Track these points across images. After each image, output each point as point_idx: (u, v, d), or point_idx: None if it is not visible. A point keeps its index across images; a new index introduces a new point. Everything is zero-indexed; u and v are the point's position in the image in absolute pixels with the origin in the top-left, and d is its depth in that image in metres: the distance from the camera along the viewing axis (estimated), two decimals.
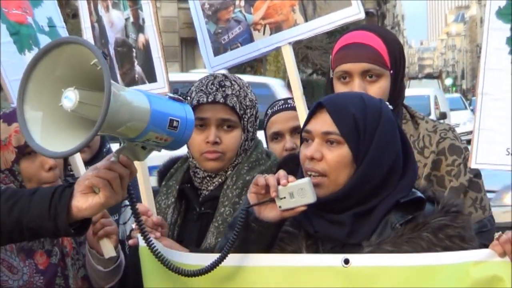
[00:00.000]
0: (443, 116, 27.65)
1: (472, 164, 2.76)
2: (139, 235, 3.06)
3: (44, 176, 3.14)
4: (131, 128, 2.41)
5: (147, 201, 3.21)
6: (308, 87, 37.58)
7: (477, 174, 3.25)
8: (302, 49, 36.63)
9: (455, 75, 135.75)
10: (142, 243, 3.03)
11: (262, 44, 3.45)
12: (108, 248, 3.15)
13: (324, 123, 2.72)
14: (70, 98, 2.34)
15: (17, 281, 3.05)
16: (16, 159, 3.12)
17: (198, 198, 3.27)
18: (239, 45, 3.50)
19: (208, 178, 3.25)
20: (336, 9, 3.40)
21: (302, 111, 3.25)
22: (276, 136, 3.98)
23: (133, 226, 3.15)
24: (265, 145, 3.80)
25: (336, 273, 2.68)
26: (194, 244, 3.15)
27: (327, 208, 2.71)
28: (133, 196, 2.61)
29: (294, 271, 2.74)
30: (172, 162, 3.41)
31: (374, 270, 2.65)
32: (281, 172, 2.69)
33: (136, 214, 2.65)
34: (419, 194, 2.76)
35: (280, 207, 2.65)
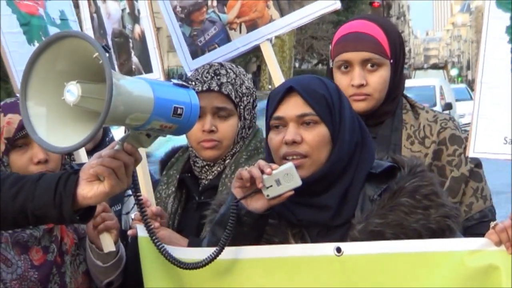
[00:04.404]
0: (448, 106, 27.59)
1: (470, 153, 2.76)
2: (137, 225, 3.07)
3: (33, 169, 3.08)
4: (134, 119, 2.39)
5: (146, 191, 3.21)
6: None
7: (478, 164, 3.25)
8: (308, 39, 36.62)
9: (461, 66, 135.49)
10: (141, 233, 3.04)
11: (240, 43, 3.41)
12: (107, 243, 3.12)
13: (297, 106, 2.74)
14: (73, 92, 2.32)
15: (10, 274, 3.01)
16: (5, 151, 3.09)
17: (198, 187, 3.27)
18: (216, 46, 3.46)
19: (207, 167, 3.25)
20: (312, 0, 3.38)
21: None
22: None
23: (132, 216, 3.15)
24: None
25: (330, 262, 2.68)
26: (194, 234, 3.15)
27: (307, 191, 2.70)
28: (138, 185, 2.60)
29: (289, 261, 2.74)
30: (174, 151, 3.41)
31: (367, 258, 2.65)
32: (261, 162, 2.70)
33: (139, 203, 2.65)
34: (387, 163, 2.79)
35: (267, 196, 2.66)
